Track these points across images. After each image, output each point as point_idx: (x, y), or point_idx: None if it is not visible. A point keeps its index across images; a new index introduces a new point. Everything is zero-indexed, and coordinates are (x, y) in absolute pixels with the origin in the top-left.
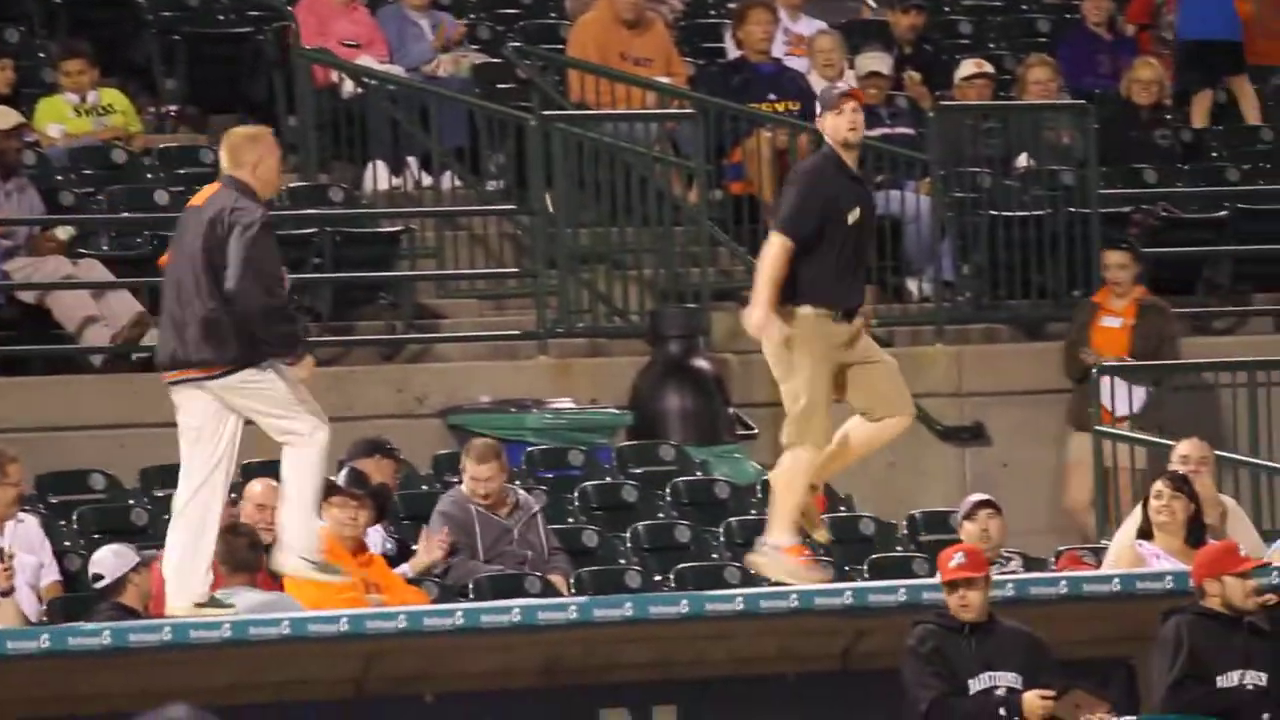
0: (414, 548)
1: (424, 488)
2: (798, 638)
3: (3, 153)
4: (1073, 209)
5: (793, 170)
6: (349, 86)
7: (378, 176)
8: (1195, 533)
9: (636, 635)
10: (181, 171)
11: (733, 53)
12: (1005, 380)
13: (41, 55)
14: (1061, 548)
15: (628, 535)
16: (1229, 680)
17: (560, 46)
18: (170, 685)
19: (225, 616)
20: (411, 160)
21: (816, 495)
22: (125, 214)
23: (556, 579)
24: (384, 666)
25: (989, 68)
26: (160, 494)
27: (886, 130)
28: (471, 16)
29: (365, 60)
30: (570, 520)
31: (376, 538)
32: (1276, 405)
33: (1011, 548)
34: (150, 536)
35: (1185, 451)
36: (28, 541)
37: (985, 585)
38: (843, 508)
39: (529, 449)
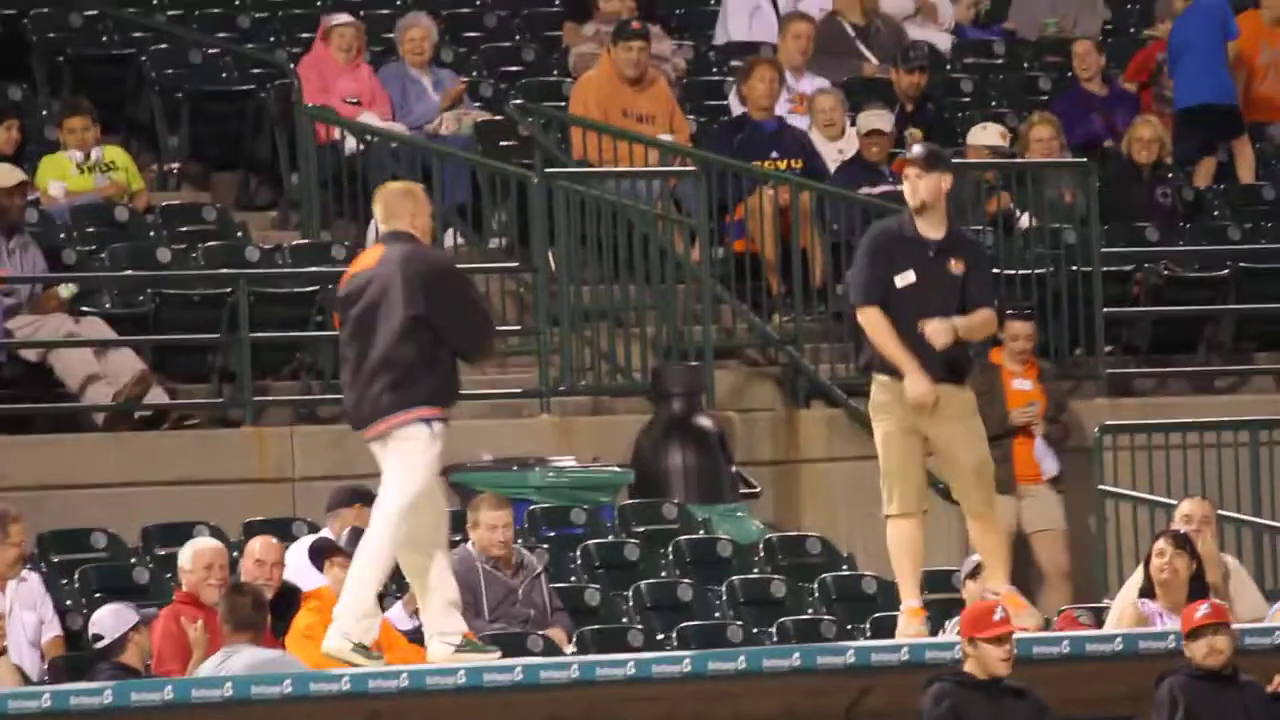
0: None
1: None
2: (801, 697)
3: (5, 210)
4: (1075, 267)
5: None
6: (351, 144)
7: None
8: (1197, 591)
9: (639, 694)
10: (184, 229)
11: (736, 109)
12: None
13: (44, 113)
14: (1062, 607)
15: (630, 594)
16: None
17: (563, 104)
18: None
19: (365, 668)
20: None
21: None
22: (128, 271)
23: (556, 632)
24: None
25: (1005, 141)
26: (162, 553)
27: (888, 188)
28: (474, 74)
29: (368, 118)
30: (572, 579)
31: (398, 614)
32: (1279, 465)
33: None
34: (152, 596)
35: (1188, 510)
36: (30, 599)
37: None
38: (845, 566)
39: (531, 507)
